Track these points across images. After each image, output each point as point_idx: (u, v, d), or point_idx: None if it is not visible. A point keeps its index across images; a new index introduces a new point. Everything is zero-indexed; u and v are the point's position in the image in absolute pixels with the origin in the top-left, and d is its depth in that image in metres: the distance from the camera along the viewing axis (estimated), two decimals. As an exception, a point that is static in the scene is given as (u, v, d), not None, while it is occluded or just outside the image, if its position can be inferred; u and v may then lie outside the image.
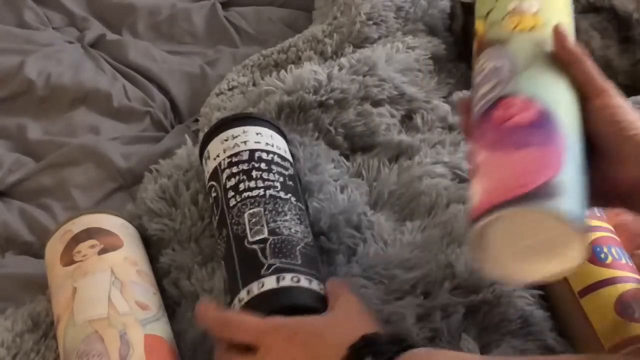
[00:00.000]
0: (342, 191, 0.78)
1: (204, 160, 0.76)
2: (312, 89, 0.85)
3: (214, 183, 0.73)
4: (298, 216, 0.70)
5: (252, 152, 0.72)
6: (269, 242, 0.66)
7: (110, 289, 0.67)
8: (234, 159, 0.72)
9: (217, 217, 0.71)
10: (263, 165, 0.72)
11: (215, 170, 0.73)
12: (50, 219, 0.90)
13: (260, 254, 0.65)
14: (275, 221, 0.67)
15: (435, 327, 0.66)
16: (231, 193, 0.70)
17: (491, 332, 0.67)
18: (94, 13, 1.18)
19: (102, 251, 0.70)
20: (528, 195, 0.50)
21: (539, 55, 0.58)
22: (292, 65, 0.92)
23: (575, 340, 0.67)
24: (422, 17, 1.01)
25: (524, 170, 0.52)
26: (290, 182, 0.73)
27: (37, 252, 0.86)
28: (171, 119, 1.04)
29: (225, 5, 1.20)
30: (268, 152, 0.73)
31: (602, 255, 0.68)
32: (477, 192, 0.53)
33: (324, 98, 0.85)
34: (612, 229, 0.71)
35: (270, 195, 0.69)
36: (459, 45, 1.01)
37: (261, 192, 0.69)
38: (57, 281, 0.70)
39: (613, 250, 0.68)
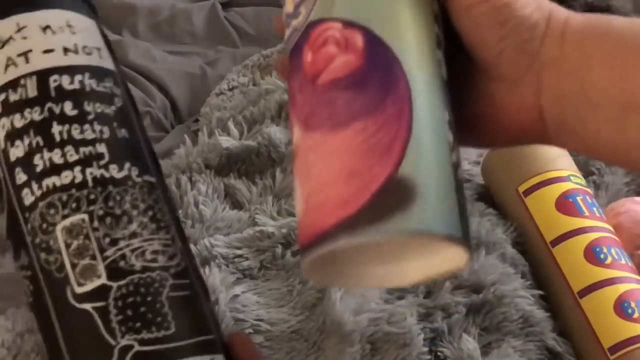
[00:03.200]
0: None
1: None
2: (312, 89, 0.85)
3: None
4: (151, 212, 0.39)
5: (42, 77, 0.39)
6: (112, 294, 0.37)
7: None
8: (13, 96, 0.39)
9: (4, 217, 0.40)
10: (69, 109, 0.39)
11: None
12: (51, 219, 0.90)
13: (101, 325, 0.36)
14: (115, 242, 0.37)
15: (436, 327, 0.66)
16: (22, 176, 0.39)
17: (492, 332, 0.67)
18: (94, 13, 1.19)
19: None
20: (362, 215, 0.33)
21: None
22: (292, 66, 0.92)
23: (575, 340, 0.68)
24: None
25: (352, 167, 0.34)
26: (124, 131, 0.40)
27: (37, 252, 0.86)
28: (171, 119, 1.04)
29: (225, 6, 1.20)
30: (73, 69, 0.40)
31: (602, 256, 0.68)
32: (298, 198, 0.35)
33: (324, 98, 0.85)
34: (612, 229, 0.71)
35: (95, 180, 0.38)
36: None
37: (77, 175, 0.38)
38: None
39: (612, 251, 0.68)
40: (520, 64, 0.37)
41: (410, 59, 0.35)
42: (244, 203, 0.79)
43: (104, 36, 0.44)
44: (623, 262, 0.68)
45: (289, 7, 0.38)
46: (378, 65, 0.35)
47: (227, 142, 0.83)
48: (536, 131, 0.38)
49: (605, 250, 0.68)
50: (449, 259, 0.36)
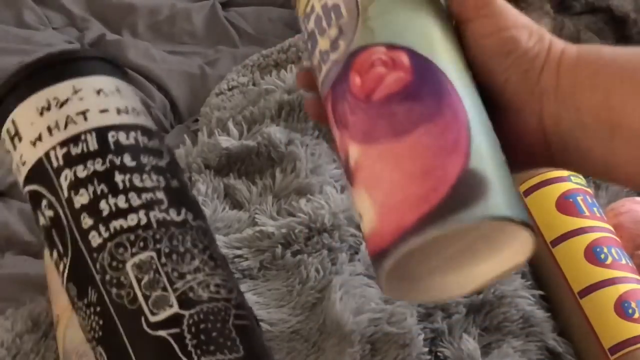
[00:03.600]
0: (342, 191, 0.78)
1: (6, 137, 0.46)
2: (313, 89, 0.85)
3: (40, 190, 0.44)
4: (208, 251, 0.44)
5: (101, 133, 0.44)
6: (185, 321, 0.40)
7: (110, 289, 0.66)
8: (74, 150, 0.43)
9: (66, 261, 0.43)
10: (128, 160, 0.43)
11: (40, 166, 0.44)
12: (50, 219, 0.89)
13: (178, 349, 0.40)
14: (182, 275, 0.41)
15: (436, 327, 0.66)
16: (88, 220, 0.42)
17: (492, 332, 0.67)
18: (94, 13, 1.18)
19: (102, 251, 0.69)
20: (445, 207, 0.36)
21: None
22: (292, 65, 0.92)
23: (575, 340, 0.68)
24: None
25: (424, 166, 0.37)
26: (176, 182, 0.45)
27: (36, 253, 0.86)
28: (171, 119, 1.04)
29: (225, 5, 1.20)
30: (127, 127, 0.45)
31: (602, 256, 0.68)
32: (369, 208, 0.38)
33: (324, 97, 0.85)
34: (612, 229, 0.71)
35: (158, 222, 0.42)
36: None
37: (142, 217, 0.42)
38: (57, 282, 0.69)
39: (613, 251, 0.68)
40: (523, 91, 0.40)
41: (451, 69, 0.39)
42: (244, 203, 0.79)
43: (145, 103, 0.48)
44: (623, 262, 0.68)
45: (324, 44, 0.41)
46: (426, 77, 0.38)
47: (226, 142, 0.83)
48: (543, 155, 0.42)
49: (605, 250, 0.68)
50: (515, 251, 0.39)
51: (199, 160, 0.83)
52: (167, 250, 0.42)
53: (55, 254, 0.44)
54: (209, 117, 0.94)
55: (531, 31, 0.41)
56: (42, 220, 0.45)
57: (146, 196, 0.43)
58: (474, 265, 0.40)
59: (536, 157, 0.42)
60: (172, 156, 0.46)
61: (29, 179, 0.45)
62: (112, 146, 0.44)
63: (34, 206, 0.45)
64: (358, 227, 0.74)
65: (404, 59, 0.39)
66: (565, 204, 0.71)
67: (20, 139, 0.45)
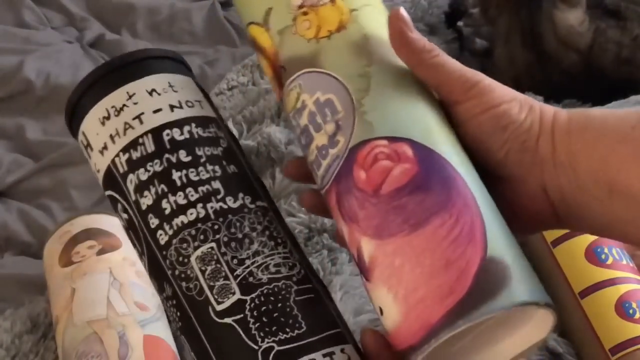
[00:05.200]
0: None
1: (83, 148, 0.49)
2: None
3: (115, 195, 0.47)
4: (268, 231, 0.45)
5: (156, 133, 0.46)
6: (247, 306, 0.42)
7: (109, 289, 0.67)
8: (135, 154, 0.45)
9: (145, 259, 0.46)
10: (183, 156, 0.45)
11: (110, 173, 0.47)
12: (49, 219, 0.90)
13: (243, 334, 0.41)
14: (242, 262, 0.43)
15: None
16: (154, 220, 0.44)
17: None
18: (93, 13, 1.18)
19: (101, 252, 0.70)
20: (471, 298, 0.36)
21: (374, 65, 0.41)
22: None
23: (576, 341, 0.67)
24: (423, 17, 1.01)
25: (444, 259, 0.36)
26: (233, 167, 0.46)
27: (35, 253, 0.86)
28: (170, 119, 1.04)
29: (224, 5, 1.20)
30: (181, 122, 0.46)
31: (603, 256, 0.68)
32: (391, 303, 0.37)
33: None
34: (613, 229, 0.71)
35: (216, 212, 0.44)
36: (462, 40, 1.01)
37: (200, 210, 0.44)
38: (56, 282, 0.69)
39: (614, 251, 0.68)
40: (524, 161, 0.41)
41: (452, 154, 0.39)
42: (244, 203, 0.79)
43: (202, 89, 0.49)
44: (624, 262, 0.68)
45: (321, 140, 0.41)
46: (432, 166, 0.38)
47: (226, 142, 0.83)
48: (549, 219, 0.42)
49: (606, 250, 0.68)
50: (535, 327, 0.40)
51: (198, 160, 0.83)
52: (225, 239, 0.43)
53: (137, 252, 0.47)
54: (209, 117, 0.94)
55: (520, 103, 0.41)
56: (121, 223, 0.47)
57: (202, 189, 0.44)
58: (495, 344, 0.41)
59: (542, 222, 0.43)
60: (231, 141, 0.47)
61: (105, 185, 0.47)
62: (167, 145, 0.45)
63: (114, 209, 0.47)
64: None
65: (407, 150, 0.39)
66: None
67: (92, 149, 0.47)
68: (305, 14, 0.42)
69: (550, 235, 0.70)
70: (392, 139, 0.39)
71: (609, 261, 0.68)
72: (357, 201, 0.39)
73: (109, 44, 1.12)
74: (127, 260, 0.71)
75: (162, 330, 0.66)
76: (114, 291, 0.67)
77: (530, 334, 0.40)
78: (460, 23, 1.03)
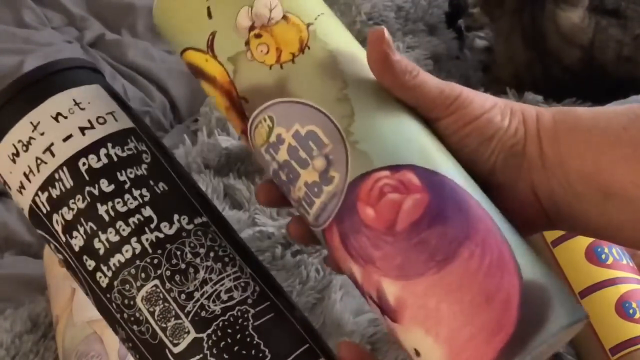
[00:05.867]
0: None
1: (3, 185, 0.45)
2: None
3: (45, 235, 0.43)
4: (213, 252, 0.41)
5: (71, 165, 0.41)
6: (205, 345, 0.39)
7: (109, 289, 0.66)
8: (54, 192, 0.41)
9: (92, 300, 0.42)
10: (105, 186, 0.41)
11: (34, 212, 0.43)
12: (49, 219, 0.89)
13: None
14: (191, 296, 0.39)
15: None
16: (90, 262, 0.41)
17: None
18: (93, 13, 1.18)
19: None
20: (522, 330, 0.34)
21: (350, 87, 0.37)
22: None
23: (576, 341, 0.67)
24: (423, 17, 1.01)
25: (482, 292, 0.34)
26: (162, 184, 0.42)
27: (36, 253, 0.85)
28: (170, 119, 1.04)
29: (224, 5, 1.20)
30: (96, 145, 0.42)
31: (603, 256, 0.68)
32: (431, 346, 0.35)
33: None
34: (613, 229, 0.71)
35: (152, 244, 0.40)
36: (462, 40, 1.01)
37: (135, 246, 0.40)
38: (56, 282, 0.69)
39: (614, 251, 0.68)
40: (514, 166, 0.40)
41: (455, 174, 0.37)
42: (244, 203, 0.79)
43: (113, 94, 0.44)
44: (624, 262, 0.68)
45: (310, 176, 0.37)
46: (442, 191, 0.36)
47: (226, 141, 0.83)
48: (541, 222, 0.41)
49: (606, 250, 0.68)
50: (572, 331, 0.37)
51: (198, 160, 0.83)
52: (168, 273, 0.40)
53: (83, 293, 0.43)
54: (209, 117, 0.94)
55: (501, 108, 0.41)
56: (59, 263, 0.43)
57: (133, 220, 0.40)
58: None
59: (535, 225, 0.42)
60: (155, 149, 0.43)
61: (33, 224, 0.43)
62: (85, 176, 0.41)
63: (53, 248, 0.44)
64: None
65: (413, 178, 0.36)
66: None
67: (10, 188, 0.44)
68: (258, 36, 0.38)
69: (550, 235, 0.70)
70: (394, 168, 0.36)
71: (609, 261, 0.68)
72: (369, 241, 0.36)
73: (109, 44, 1.12)
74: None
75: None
76: (114, 291, 0.66)
77: (565, 338, 0.38)
78: (460, 22, 1.03)
